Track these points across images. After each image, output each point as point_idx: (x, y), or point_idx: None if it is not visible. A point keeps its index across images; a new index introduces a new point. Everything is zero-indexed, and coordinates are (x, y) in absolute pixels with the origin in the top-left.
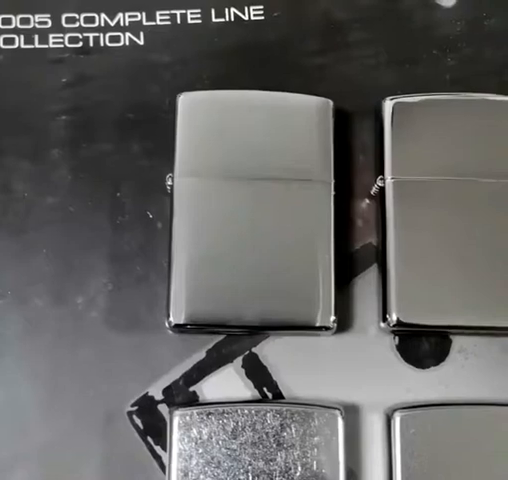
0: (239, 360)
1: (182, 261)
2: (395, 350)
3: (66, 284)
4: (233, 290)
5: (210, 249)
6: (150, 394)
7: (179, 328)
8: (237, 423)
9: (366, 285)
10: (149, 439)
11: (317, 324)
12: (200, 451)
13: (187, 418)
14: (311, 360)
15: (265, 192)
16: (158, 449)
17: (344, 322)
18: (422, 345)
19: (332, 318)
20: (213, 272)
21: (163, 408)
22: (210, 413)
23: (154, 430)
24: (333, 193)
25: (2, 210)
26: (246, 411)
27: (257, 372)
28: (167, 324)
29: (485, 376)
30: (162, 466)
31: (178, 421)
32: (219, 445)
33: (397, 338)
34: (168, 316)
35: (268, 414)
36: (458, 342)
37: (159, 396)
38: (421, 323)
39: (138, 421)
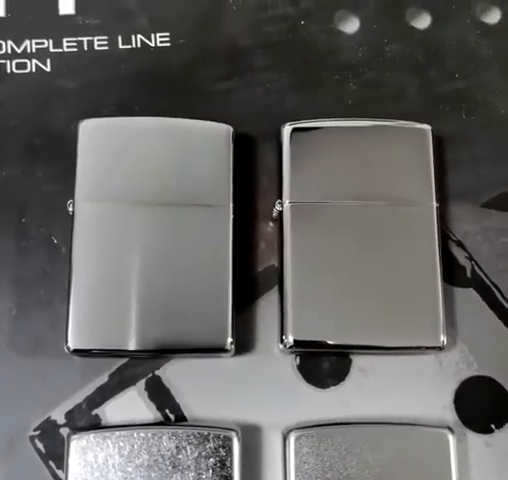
0: (142, 383)
1: (80, 285)
2: (296, 370)
3: None
4: (131, 314)
5: (109, 274)
6: (52, 418)
7: (78, 353)
8: (133, 446)
9: (268, 306)
10: (51, 463)
11: (214, 346)
12: (96, 475)
13: (84, 442)
14: (213, 382)
15: (164, 217)
16: (60, 473)
17: (246, 343)
18: (323, 364)
19: (229, 340)
20: (111, 296)
21: (65, 431)
22: (106, 437)
23: (56, 454)
24: (232, 216)
25: None
26: (142, 434)
27: (160, 394)
28: (66, 349)
29: (384, 394)
30: None
31: (75, 445)
32: (115, 468)
33: (298, 358)
34: (66, 341)
35: (164, 437)
36: (358, 361)
37: (61, 420)
38: (317, 342)
39: (40, 445)
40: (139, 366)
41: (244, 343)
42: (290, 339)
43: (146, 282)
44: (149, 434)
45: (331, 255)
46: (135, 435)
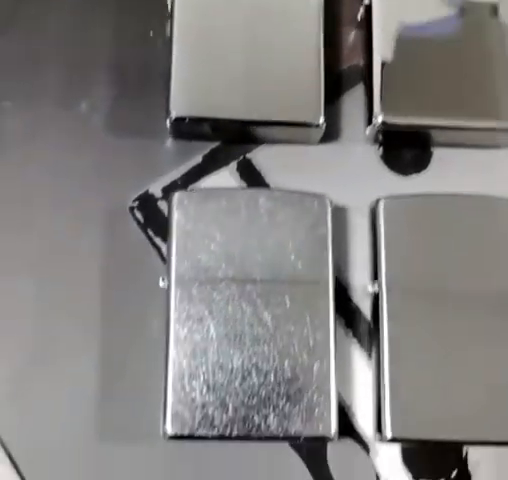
0: (234, 164)
1: (184, 57)
2: (380, 159)
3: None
4: (230, 86)
5: (211, 48)
6: (151, 191)
7: (177, 124)
8: (234, 203)
9: (354, 99)
10: (149, 231)
11: (308, 120)
12: (198, 229)
13: (186, 198)
14: (301, 167)
15: None
16: (158, 240)
17: (332, 134)
18: (405, 154)
19: (321, 118)
20: (212, 69)
21: (163, 205)
22: (208, 193)
23: (154, 223)
24: None
25: None
26: (243, 193)
27: (251, 175)
28: (167, 123)
29: (462, 184)
30: (161, 256)
31: (177, 201)
32: (216, 223)
33: (382, 148)
34: (168, 112)
35: (263, 196)
36: (439, 152)
37: (159, 194)
38: (403, 123)
39: (139, 215)
40: (231, 150)
41: (332, 135)
42: (379, 120)
43: (243, 58)
44: (249, 193)
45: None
46: (236, 193)
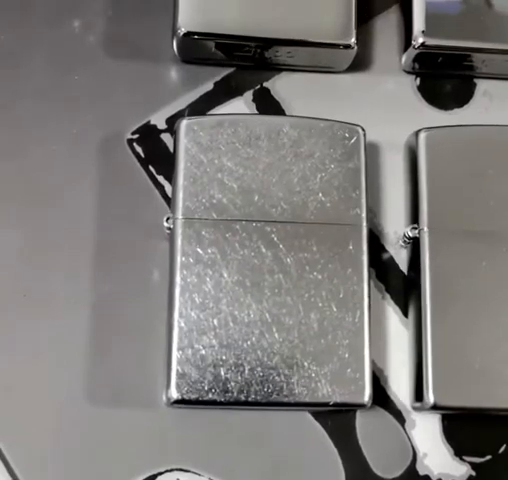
0: (249, 94)
1: None
2: (416, 90)
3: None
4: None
5: None
6: (153, 122)
7: (186, 42)
8: (251, 131)
9: (387, 24)
10: (150, 168)
11: (337, 40)
12: (209, 159)
13: (196, 125)
14: (327, 97)
15: None
16: (161, 178)
17: (365, 61)
18: (445, 86)
19: (353, 38)
20: None
21: (167, 138)
22: (222, 120)
23: (157, 159)
24: None
25: None
26: (262, 120)
27: (269, 107)
28: (174, 42)
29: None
30: (164, 195)
31: (185, 128)
32: (231, 153)
33: (419, 79)
34: (175, 27)
35: (286, 124)
36: (482, 84)
37: (162, 125)
38: (446, 45)
39: (139, 149)
40: (246, 76)
41: (362, 62)
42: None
43: None
44: (270, 120)
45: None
46: (255, 120)
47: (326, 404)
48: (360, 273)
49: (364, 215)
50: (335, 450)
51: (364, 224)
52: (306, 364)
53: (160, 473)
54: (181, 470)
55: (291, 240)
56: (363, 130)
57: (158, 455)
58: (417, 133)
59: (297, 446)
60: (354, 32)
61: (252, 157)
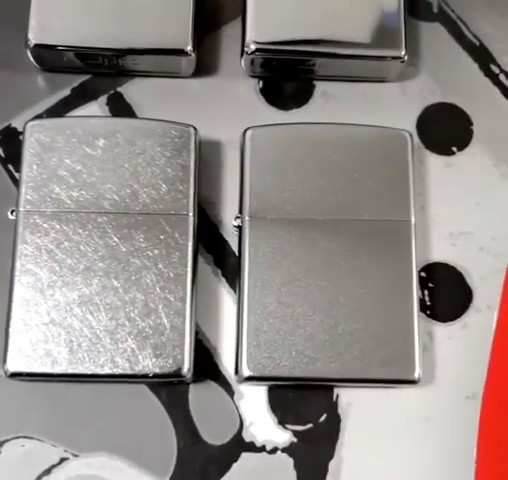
0: (104, 98)
1: None
2: (258, 92)
3: None
4: (96, 12)
5: None
6: (13, 126)
7: (38, 53)
8: (90, 132)
9: (234, 32)
10: (9, 166)
11: (176, 47)
12: (53, 159)
13: (41, 126)
14: (175, 101)
15: None
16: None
17: (209, 67)
18: (286, 88)
19: (190, 45)
20: None
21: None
22: (65, 122)
23: (16, 158)
24: None
25: None
26: (102, 122)
27: (121, 109)
28: (27, 52)
29: (346, 119)
30: None
31: (31, 130)
32: (73, 153)
33: (262, 82)
34: (26, 39)
35: (123, 125)
36: (321, 86)
37: (22, 128)
38: (274, 49)
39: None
40: (100, 82)
41: (210, 67)
42: (252, 47)
43: None
44: (107, 121)
45: None
46: (94, 122)
47: (147, 376)
48: (184, 258)
49: (191, 206)
50: (169, 420)
51: (190, 214)
52: (130, 340)
53: (6, 440)
54: (26, 437)
55: (122, 229)
56: (195, 129)
57: (3, 423)
58: (245, 131)
59: (134, 416)
60: (191, 40)
61: (89, 155)
